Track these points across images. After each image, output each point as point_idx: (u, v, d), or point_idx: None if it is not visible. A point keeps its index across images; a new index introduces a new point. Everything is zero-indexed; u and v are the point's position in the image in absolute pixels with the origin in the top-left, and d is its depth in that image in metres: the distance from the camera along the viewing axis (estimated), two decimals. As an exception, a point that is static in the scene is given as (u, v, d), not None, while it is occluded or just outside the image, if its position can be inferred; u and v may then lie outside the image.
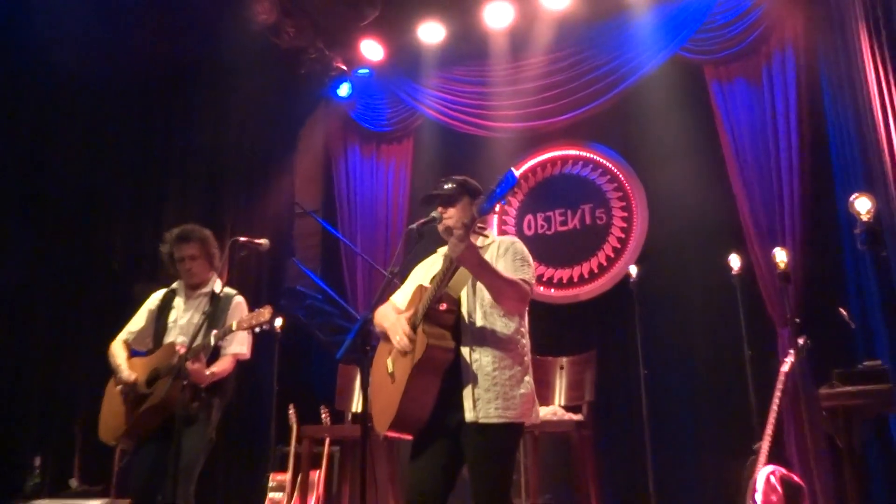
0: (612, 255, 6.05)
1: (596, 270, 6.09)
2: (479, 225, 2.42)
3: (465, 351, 2.39)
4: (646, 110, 5.69)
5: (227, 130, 5.98)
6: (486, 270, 2.30)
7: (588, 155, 6.35)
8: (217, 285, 3.30)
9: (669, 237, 5.66)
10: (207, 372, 3.14)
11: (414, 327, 2.40)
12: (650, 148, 5.75)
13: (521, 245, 2.57)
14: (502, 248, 2.54)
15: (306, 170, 7.27)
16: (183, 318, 3.31)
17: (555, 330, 5.73)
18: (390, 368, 2.44)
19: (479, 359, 2.38)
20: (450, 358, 2.34)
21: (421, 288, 2.52)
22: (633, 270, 4.83)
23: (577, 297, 6.07)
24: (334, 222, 7.03)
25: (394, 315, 2.54)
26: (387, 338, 2.51)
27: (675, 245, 5.58)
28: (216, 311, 3.16)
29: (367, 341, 2.31)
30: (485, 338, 2.40)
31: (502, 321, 2.41)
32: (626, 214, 6.07)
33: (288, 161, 6.62)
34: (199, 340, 3.06)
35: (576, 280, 6.15)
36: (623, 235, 6.05)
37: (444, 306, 2.39)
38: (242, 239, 3.19)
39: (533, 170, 6.59)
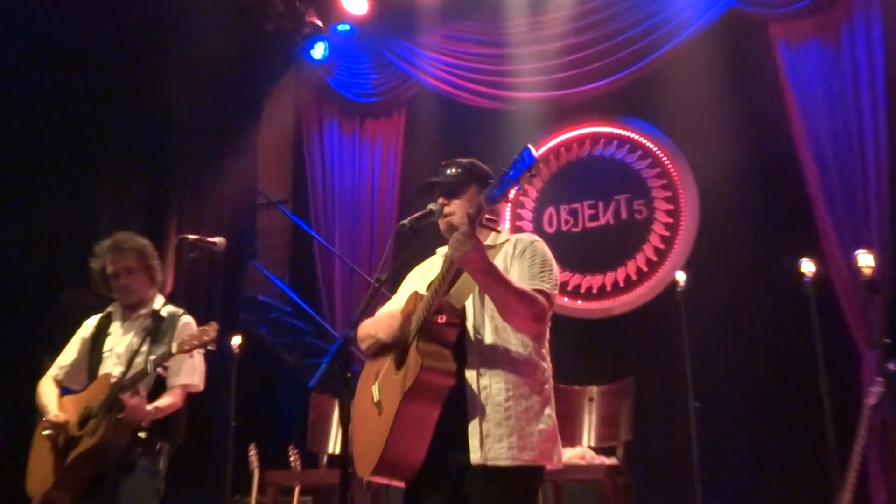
0: (655, 259, 6.07)
1: (634, 277, 6.11)
2: (487, 217, 2.38)
3: (470, 375, 2.36)
4: (695, 78, 5.76)
5: (175, 102, 5.97)
6: (493, 278, 2.27)
7: (624, 132, 6.38)
8: (158, 303, 3.35)
9: (725, 236, 5.72)
10: (149, 407, 3.13)
11: (407, 343, 2.40)
12: (701, 124, 5.82)
13: (542, 245, 2.55)
14: (518, 249, 2.53)
15: (272, 150, 7.33)
16: (120, 344, 3.32)
17: (583, 351, 5.72)
18: (376, 396, 2.42)
19: (489, 385, 2.36)
20: (450, 383, 2.31)
21: (416, 296, 2.51)
22: (681, 277, 4.86)
23: (611, 311, 6.12)
24: (307, 216, 7.10)
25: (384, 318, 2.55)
26: (374, 354, 2.52)
27: (733, 245, 5.63)
28: (157, 334, 3.19)
29: (348, 366, 2.26)
30: (496, 359, 2.39)
31: (518, 339, 2.40)
32: (671, 207, 6.11)
33: (249, 139, 6.68)
34: (135, 369, 3.08)
35: (609, 289, 6.19)
36: (668, 233, 6.08)
37: (443, 319, 2.38)
38: (192, 237, 3.23)
39: (556, 151, 6.60)
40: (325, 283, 6.89)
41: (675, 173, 6.13)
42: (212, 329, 3.08)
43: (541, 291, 2.38)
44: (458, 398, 2.32)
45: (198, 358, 3.33)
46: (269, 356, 6.56)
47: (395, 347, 2.43)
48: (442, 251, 2.71)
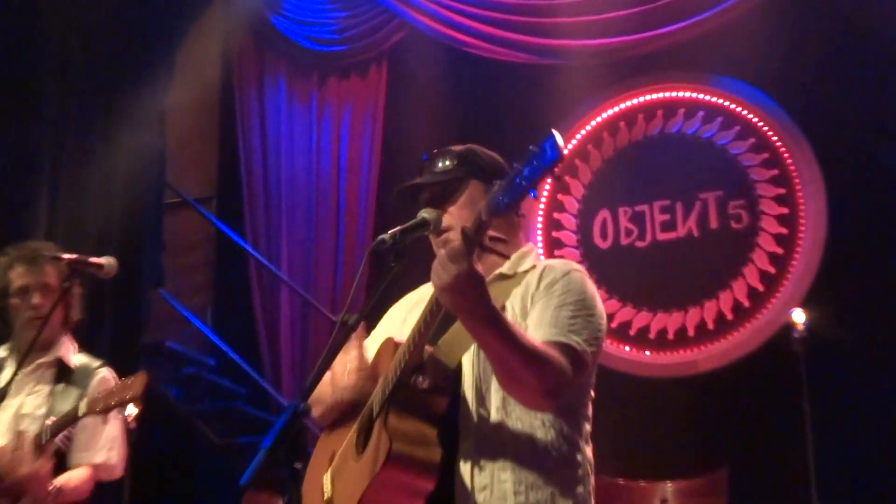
0: (761, 289, 6.12)
1: (730, 316, 6.16)
2: (493, 236, 2.46)
3: (464, 469, 2.42)
4: (822, 20, 5.92)
5: (42, 47, 5.94)
6: (489, 326, 2.32)
7: (715, 100, 6.42)
8: (68, 350, 3.46)
9: (866, 256, 5.74)
10: (50, 487, 3.22)
11: (372, 417, 2.47)
12: (831, 89, 5.87)
13: (581, 278, 2.59)
14: (545, 281, 2.59)
15: (189, 125, 7.35)
16: (12, 404, 3.40)
17: (652, 429, 5.76)
18: (327, 491, 2.50)
19: (490, 485, 2.41)
20: (428, 484, 2.36)
21: (391, 345, 2.60)
22: (799, 317, 4.90)
23: (695, 367, 6.15)
24: (240, 222, 7.20)
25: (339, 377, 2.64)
26: (333, 423, 2.61)
27: (877, 271, 5.65)
28: (66, 392, 3.30)
29: (300, 451, 2.27)
30: (503, 446, 2.44)
31: (539, 416, 2.46)
32: (785, 211, 6.14)
33: (153, 107, 6.62)
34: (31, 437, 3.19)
35: (691, 334, 6.23)
36: (780, 250, 6.11)
37: (425, 382, 2.45)
38: (66, 256, 3.28)
39: (611, 126, 6.66)
40: (265, 324, 6.92)
41: (790, 162, 6.15)
42: (138, 382, 3.16)
43: (564, 346, 2.42)
44: (444, 498, 2.37)
45: (115, 426, 3.41)
46: (182, 432, 6.46)
47: (361, 414, 2.52)
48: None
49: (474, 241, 2.21)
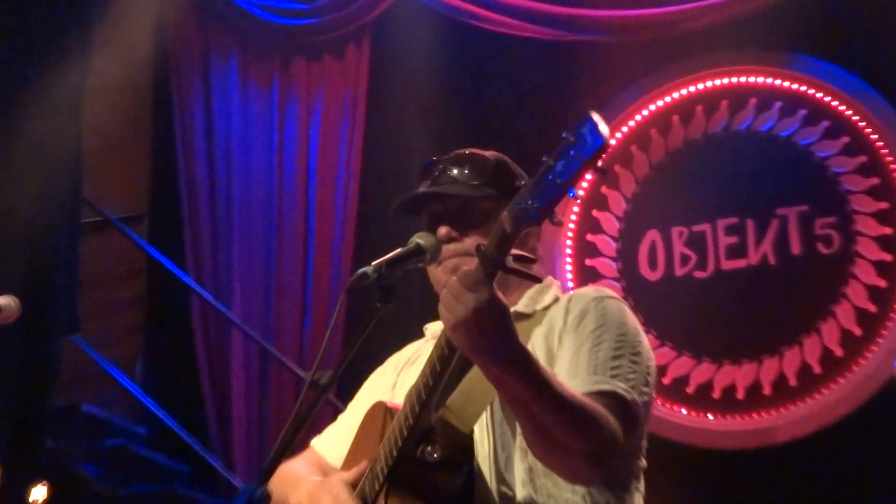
0: (859, 332, 6.09)
1: (817, 369, 6.15)
2: (518, 254, 2.43)
3: None
4: None
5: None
6: (519, 374, 2.33)
7: (797, 87, 6.42)
8: None
9: None
10: None
11: (366, 502, 2.53)
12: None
13: (616, 305, 2.67)
14: (573, 314, 2.65)
15: (111, 122, 7.22)
16: None
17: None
18: None
19: None
20: None
21: (382, 411, 2.66)
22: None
23: (772, 435, 6.13)
24: (179, 247, 7.20)
25: (311, 478, 2.69)
26: None
27: None
28: None
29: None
30: None
31: (578, 492, 2.50)
32: (889, 231, 6.17)
33: (64, 98, 6.51)
34: None
35: (767, 392, 6.24)
36: (884, 283, 6.14)
37: (436, 454, 2.49)
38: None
39: (661, 121, 6.71)
40: (212, 381, 6.91)
41: (896, 167, 6.17)
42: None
43: (610, 397, 2.45)
44: None
45: None
46: (102, 522, 6.48)
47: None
48: (435, 329, 2.84)
49: (496, 261, 2.24)
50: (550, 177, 2.07)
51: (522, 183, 2.69)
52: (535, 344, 2.55)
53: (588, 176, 2.10)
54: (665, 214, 6.63)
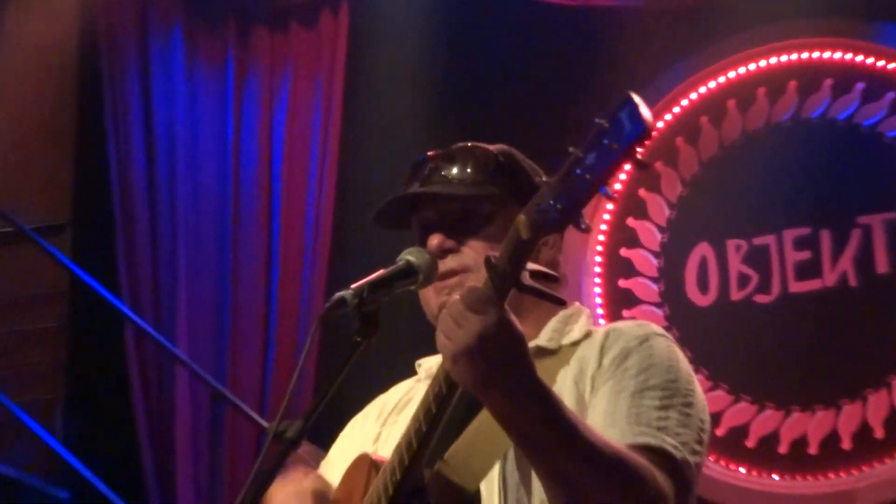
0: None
1: (911, 417, 6.14)
2: (537, 269, 2.46)
3: None
4: None
5: None
6: (538, 414, 2.36)
7: (883, 64, 6.42)
8: None
9: None
10: None
11: None
12: None
13: (665, 345, 2.70)
14: (610, 355, 2.68)
15: (25, 111, 7.38)
16: None
17: None
18: None
19: None
20: None
21: (366, 465, 2.70)
22: None
23: (852, 499, 6.11)
24: (110, 264, 7.20)
25: None
26: None
27: None
28: None
29: None
30: None
31: None
32: None
33: None
34: None
35: (847, 446, 6.19)
36: None
37: None
38: None
39: (712, 107, 6.73)
40: (151, 432, 6.92)
41: None
42: None
43: (656, 453, 2.47)
44: None
45: None
46: None
47: None
48: (431, 366, 2.88)
49: (509, 276, 2.26)
50: (579, 171, 2.09)
51: (537, 180, 2.78)
52: (562, 388, 2.57)
53: (624, 171, 2.08)
54: (719, 223, 6.64)
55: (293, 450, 2.42)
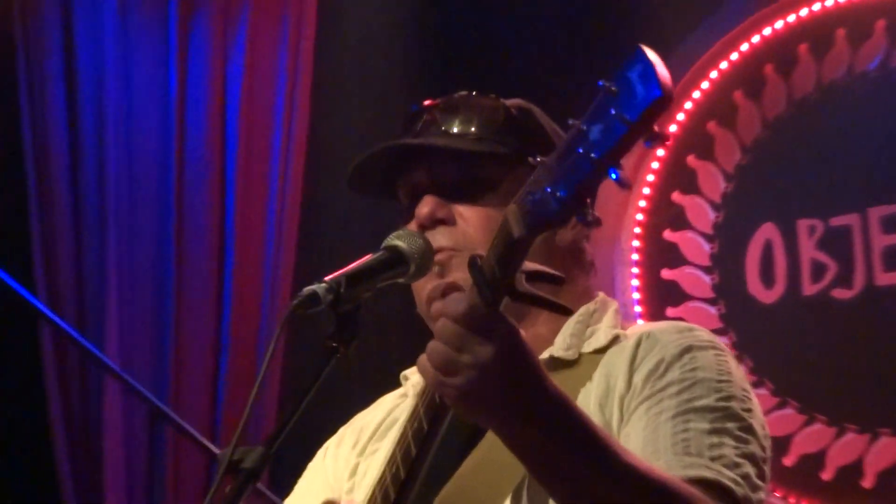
0: None
1: None
2: (539, 269, 2.50)
3: None
4: None
5: None
6: (571, 442, 2.39)
7: None
8: None
9: None
10: None
11: None
12: None
13: (714, 355, 2.77)
14: (646, 367, 2.74)
15: None
16: None
17: None
18: None
19: None
20: None
21: None
22: None
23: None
24: (24, 251, 7.17)
25: None
26: None
27: None
28: None
29: None
30: None
31: None
32: None
33: None
34: None
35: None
36: None
37: None
38: None
39: (777, 53, 6.76)
40: (72, 455, 6.92)
41: None
42: None
43: (714, 487, 2.51)
44: None
45: None
46: None
47: None
48: (418, 381, 2.99)
49: (498, 283, 2.27)
50: (581, 149, 2.09)
51: (547, 130, 2.93)
52: (582, 409, 2.55)
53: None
54: (788, 199, 6.69)
55: (251, 483, 2.42)
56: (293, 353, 5.78)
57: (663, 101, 1.98)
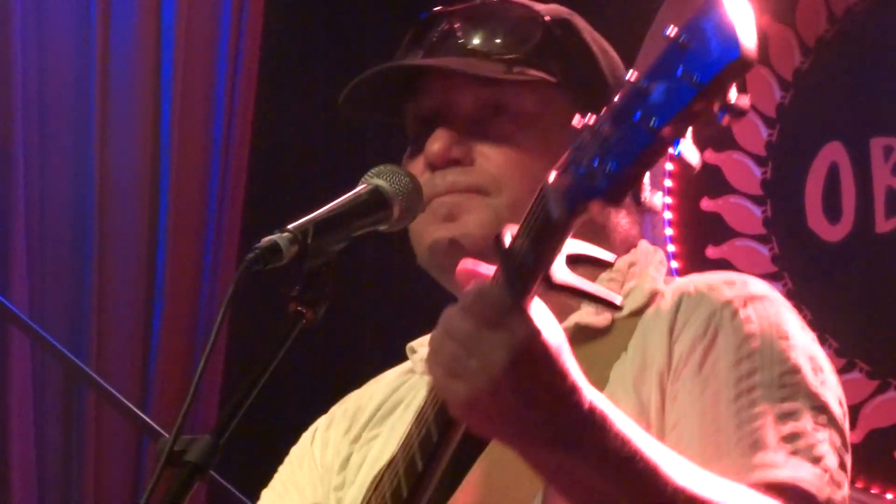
0: None
1: None
2: (583, 254, 2.48)
3: None
4: None
5: None
6: (609, 462, 2.35)
7: None
8: None
9: None
10: None
11: None
12: None
13: (774, 310, 2.71)
14: (688, 333, 2.72)
15: None
16: None
17: None
18: None
19: None
20: None
21: None
22: None
23: None
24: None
25: None
26: None
27: None
28: None
29: None
30: None
31: None
32: None
33: None
34: None
35: None
36: None
37: None
38: None
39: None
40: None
41: None
42: None
43: (791, 492, 2.51)
44: None
45: None
46: None
47: None
48: (421, 356, 3.01)
49: (531, 270, 2.24)
50: (639, 114, 2.00)
51: (609, 76, 2.90)
52: (616, 393, 2.60)
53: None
54: (858, 113, 6.53)
55: (196, 480, 2.43)
56: (245, 317, 5.69)
57: (742, 64, 1.87)
